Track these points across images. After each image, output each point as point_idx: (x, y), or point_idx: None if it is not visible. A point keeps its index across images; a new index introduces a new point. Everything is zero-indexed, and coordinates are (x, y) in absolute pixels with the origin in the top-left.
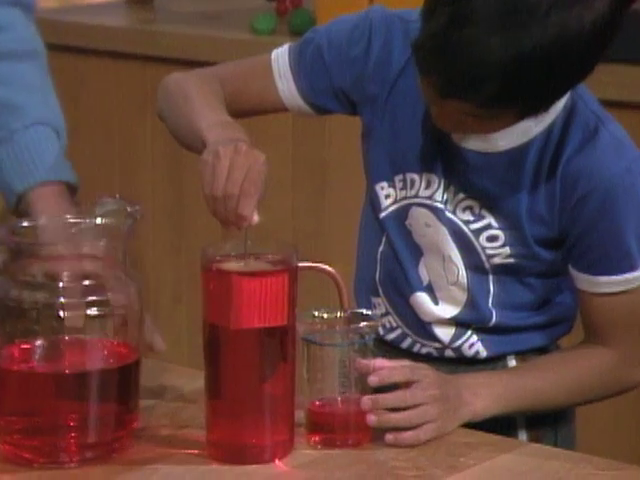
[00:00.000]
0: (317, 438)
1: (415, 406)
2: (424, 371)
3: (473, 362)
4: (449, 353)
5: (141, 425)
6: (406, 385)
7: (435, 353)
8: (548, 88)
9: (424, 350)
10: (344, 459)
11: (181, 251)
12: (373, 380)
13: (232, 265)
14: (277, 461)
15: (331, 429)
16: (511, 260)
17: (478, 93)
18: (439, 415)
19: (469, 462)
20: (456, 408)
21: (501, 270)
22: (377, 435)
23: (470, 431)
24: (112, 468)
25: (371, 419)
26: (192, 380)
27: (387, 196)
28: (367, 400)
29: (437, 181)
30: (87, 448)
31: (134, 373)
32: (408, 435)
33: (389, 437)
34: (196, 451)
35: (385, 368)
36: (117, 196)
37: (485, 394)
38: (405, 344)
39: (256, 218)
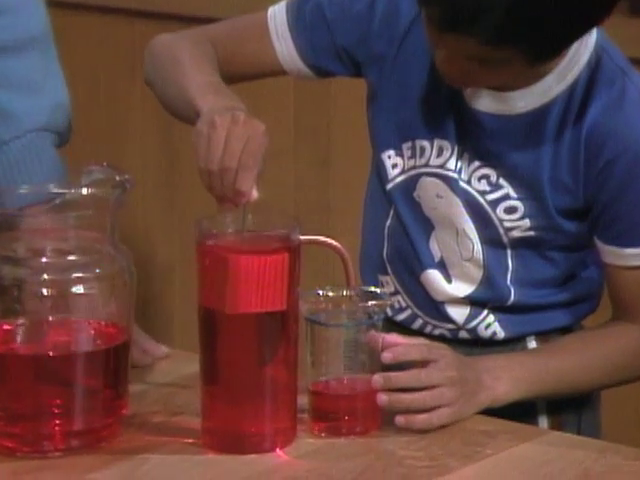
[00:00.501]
0: (321, 426)
1: (430, 387)
2: (442, 351)
3: (490, 344)
4: (464, 334)
5: (131, 412)
6: (421, 365)
7: (448, 335)
8: (558, 23)
9: (436, 332)
10: (350, 448)
11: (174, 225)
12: (387, 357)
13: (229, 242)
14: (278, 450)
15: (336, 416)
16: (531, 233)
17: (480, 25)
18: (456, 399)
19: (486, 452)
20: (475, 392)
21: (520, 244)
22: (386, 422)
23: (487, 418)
24: (100, 457)
25: (382, 399)
26: (186, 363)
27: (394, 166)
28: (378, 378)
29: (450, 148)
30: (73, 436)
31: (123, 355)
32: (420, 418)
33: (399, 419)
34: (190, 440)
35: (400, 344)
36: (104, 164)
37: (506, 378)
38: (416, 325)
39: (255, 194)
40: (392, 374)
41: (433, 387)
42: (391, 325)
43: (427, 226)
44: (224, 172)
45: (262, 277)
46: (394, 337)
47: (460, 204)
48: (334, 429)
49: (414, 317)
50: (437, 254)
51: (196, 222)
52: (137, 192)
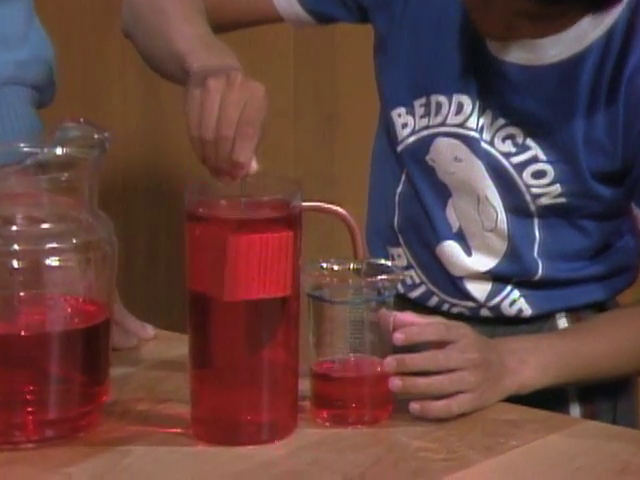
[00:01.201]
0: (325, 414)
1: (449, 371)
2: (462, 330)
3: (514, 322)
4: (485, 313)
5: (112, 399)
6: (438, 346)
7: (468, 313)
8: None
9: (454, 310)
10: (358, 439)
11: (159, 190)
12: (398, 338)
13: (225, 214)
14: (277, 442)
15: (342, 403)
16: (562, 200)
17: None
18: (477, 384)
19: (510, 443)
20: (499, 377)
21: (549, 212)
22: (398, 411)
23: (512, 406)
24: (77, 450)
25: (395, 383)
26: (174, 345)
27: (404, 125)
28: (391, 360)
29: (470, 104)
30: (47, 426)
31: (103, 336)
32: (438, 405)
33: (414, 406)
34: (179, 429)
35: (414, 324)
36: (81, 120)
37: (533, 361)
38: (431, 303)
39: (255, 166)
40: (406, 356)
41: (452, 371)
42: (404, 303)
43: (443, 193)
44: (220, 142)
45: (264, 259)
46: (407, 315)
47: (482, 168)
48: (339, 418)
49: (429, 294)
50: (455, 224)
51: (185, 191)
52: (117, 152)
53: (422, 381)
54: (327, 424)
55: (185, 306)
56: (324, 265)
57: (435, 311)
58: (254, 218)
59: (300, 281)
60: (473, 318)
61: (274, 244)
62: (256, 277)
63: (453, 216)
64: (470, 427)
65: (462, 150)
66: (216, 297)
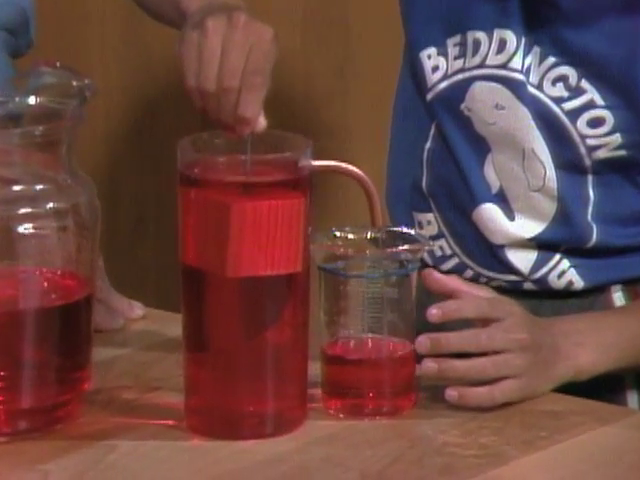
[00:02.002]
0: (339, 404)
1: (493, 353)
2: (509, 307)
3: (563, 296)
4: (529, 286)
5: (94, 386)
6: (480, 325)
7: (509, 287)
8: None
9: (493, 284)
10: (376, 433)
11: (147, 152)
12: (434, 314)
13: (226, 179)
14: (283, 436)
15: (358, 390)
16: (622, 152)
17: None
18: (525, 369)
19: (553, 437)
20: (551, 362)
21: (606, 168)
22: (424, 399)
23: (555, 394)
24: (55, 444)
25: (428, 365)
26: (165, 325)
27: (435, 68)
28: (424, 339)
29: (514, 41)
30: (21, 417)
31: (85, 315)
32: (479, 391)
33: (451, 393)
34: (171, 421)
35: (454, 294)
36: (57, 65)
37: (591, 344)
38: (465, 277)
39: (263, 122)
40: (442, 334)
41: (496, 353)
42: None
43: (481, 147)
44: (222, 93)
45: (273, 229)
46: (452, 280)
47: (528, 116)
48: (355, 408)
49: (463, 266)
50: (495, 184)
51: (179, 147)
52: (98, 104)
53: (461, 364)
54: (341, 415)
55: (178, 282)
56: (337, 234)
57: None
58: (260, 181)
59: (310, 253)
60: (515, 292)
61: (284, 212)
62: (263, 250)
63: (492, 175)
64: (506, 419)
65: (504, 96)
66: (217, 273)
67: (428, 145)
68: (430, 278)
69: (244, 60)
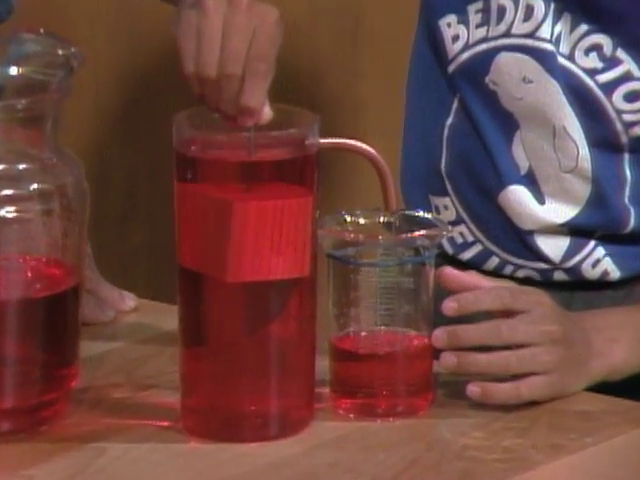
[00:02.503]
0: (349, 403)
1: (518, 347)
2: (535, 296)
3: (597, 286)
4: (560, 275)
5: (82, 384)
6: (504, 316)
7: (538, 277)
8: None
9: (520, 273)
10: (390, 435)
11: (138, 129)
12: (450, 307)
13: (226, 158)
14: (288, 438)
15: (370, 388)
16: None
17: None
18: (554, 364)
19: (583, 440)
20: (584, 359)
21: None
22: (442, 398)
23: (586, 393)
24: (39, 447)
25: (447, 359)
26: (159, 318)
27: (455, 38)
28: (441, 333)
29: (542, 6)
30: (3, 417)
31: (72, 306)
32: (504, 387)
33: (474, 389)
34: (166, 423)
35: (479, 287)
36: (41, 31)
37: (625, 340)
38: (490, 266)
39: (268, 112)
40: (459, 327)
41: (522, 346)
42: (452, 265)
43: (509, 124)
44: (224, 81)
45: (279, 231)
46: (469, 275)
47: (558, 90)
48: (367, 408)
49: (487, 254)
50: (523, 164)
51: (174, 126)
52: (88, 76)
53: (483, 357)
54: (351, 416)
55: (173, 271)
56: (347, 218)
57: (495, 275)
58: (262, 161)
59: (317, 253)
60: (544, 283)
61: (290, 211)
62: (267, 254)
63: (521, 154)
64: (532, 420)
65: (532, 68)
66: (217, 277)
67: (449, 121)
68: (445, 276)
69: (247, 44)
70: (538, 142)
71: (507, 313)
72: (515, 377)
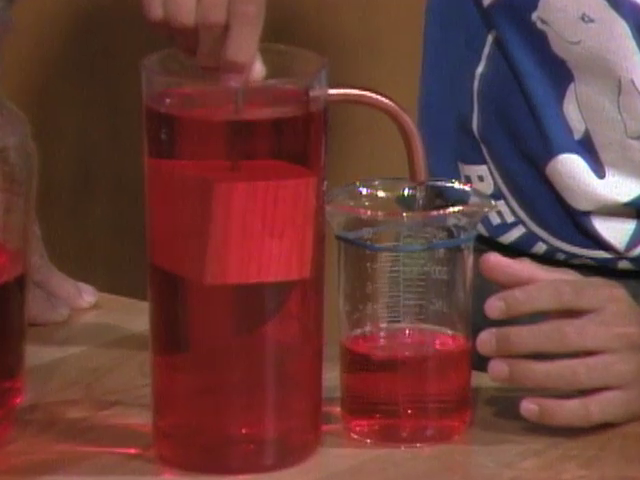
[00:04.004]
0: (365, 425)
1: (587, 354)
2: (608, 290)
3: None
4: (624, 265)
5: (29, 401)
6: (567, 316)
7: (595, 266)
8: None
9: (576, 261)
10: (416, 465)
11: (98, 77)
12: (495, 307)
13: (208, 116)
14: (289, 469)
15: (391, 405)
16: None
17: None
18: (634, 377)
19: None
20: None
21: None
22: (482, 418)
23: None
24: None
25: (497, 369)
26: (124, 316)
27: None
28: (488, 336)
29: None
30: None
31: (15, 303)
32: (569, 405)
33: (529, 406)
34: (133, 450)
35: (534, 279)
36: None
37: None
38: (536, 252)
39: (260, 68)
40: (511, 329)
41: (591, 354)
42: (491, 249)
43: (560, 75)
44: (204, 30)
45: (271, 220)
46: (525, 264)
47: (627, 32)
48: (388, 431)
49: (532, 238)
50: (578, 126)
51: (143, 67)
52: (31, 12)
53: (542, 367)
54: (368, 441)
55: (140, 259)
56: (363, 190)
57: (547, 262)
58: (255, 119)
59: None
60: (604, 273)
61: (287, 195)
62: (257, 249)
63: (576, 114)
64: (600, 447)
65: (594, 3)
66: (193, 279)
67: (480, 69)
68: (490, 265)
69: None
70: (598, 99)
71: (569, 313)
72: (582, 392)
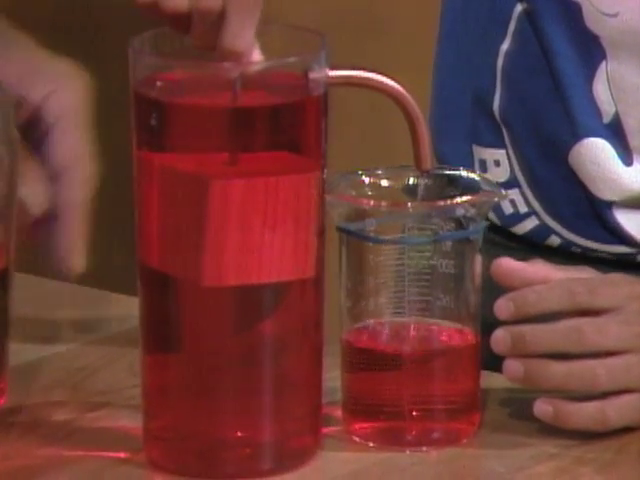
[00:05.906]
0: (367, 427)
1: (606, 354)
2: (627, 288)
3: None
4: None
5: (12, 403)
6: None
7: (615, 260)
8: None
9: (592, 255)
10: (423, 470)
11: (89, 51)
12: (504, 308)
13: (201, 102)
14: (287, 474)
15: (396, 407)
16: None
17: None
18: None
19: None
20: None
21: None
22: (492, 421)
23: None
24: None
25: (512, 369)
26: (113, 312)
27: None
28: (503, 334)
29: None
30: None
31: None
32: (585, 408)
33: (544, 407)
34: (122, 454)
35: (548, 280)
36: None
37: None
38: (552, 243)
39: (258, 56)
40: (527, 327)
41: (611, 354)
42: (504, 242)
43: (591, 52)
44: (198, 16)
45: (272, 218)
46: (538, 266)
47: None
48: (392, 434)
49: (544, 230)
50: (608, 108)
51: (131, 47)
52: None
53: (559, 368)
54: (371, 444)
55: (130, 246)
56: (365, 179)
57: (561, 254)
58: (249, 106)
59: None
60: (623, 268)
61: (288, 191)
62: (256, 248)
63: (605, 94)
64: (618, 450)
65: None
66: (190, 279)
67: (505, 46)
68: (502, 269)
69: None
70: (630, 79)
71: (581, 315)
72: (600, 394)
